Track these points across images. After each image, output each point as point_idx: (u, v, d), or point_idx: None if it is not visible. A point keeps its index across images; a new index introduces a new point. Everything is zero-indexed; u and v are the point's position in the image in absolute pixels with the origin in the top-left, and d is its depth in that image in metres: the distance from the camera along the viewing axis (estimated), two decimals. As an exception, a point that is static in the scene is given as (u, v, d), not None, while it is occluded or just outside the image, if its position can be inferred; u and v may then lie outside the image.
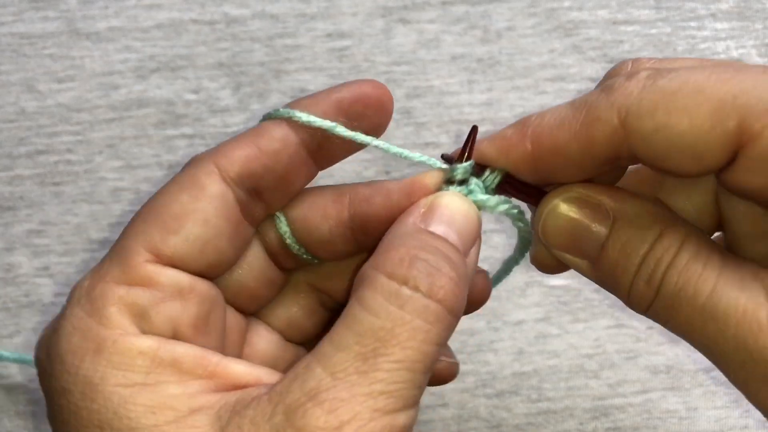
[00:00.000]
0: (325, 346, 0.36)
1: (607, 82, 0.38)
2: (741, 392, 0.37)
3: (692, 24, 0.76)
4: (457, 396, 0.67)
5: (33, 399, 0.67)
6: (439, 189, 0.42)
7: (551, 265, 0.43)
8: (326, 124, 0.42)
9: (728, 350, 0.35)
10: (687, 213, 0.42)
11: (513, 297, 0.69)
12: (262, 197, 0.43)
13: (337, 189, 0.44)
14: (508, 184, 0.43)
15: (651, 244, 0.38)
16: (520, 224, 0.45)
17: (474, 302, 0.46)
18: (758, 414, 0.37)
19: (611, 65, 0.75)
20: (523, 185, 0.42)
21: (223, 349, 0.43)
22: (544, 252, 0.43)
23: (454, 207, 0.41)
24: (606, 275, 0.40)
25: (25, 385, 0.67)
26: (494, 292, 0.69)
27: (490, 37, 0.75)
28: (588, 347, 0.69)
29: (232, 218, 0.41)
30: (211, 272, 0.42)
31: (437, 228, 0.39)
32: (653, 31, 0.75)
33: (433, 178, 0.43)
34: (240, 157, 0.41)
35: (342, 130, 0.42)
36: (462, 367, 0.68)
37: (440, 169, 0.43)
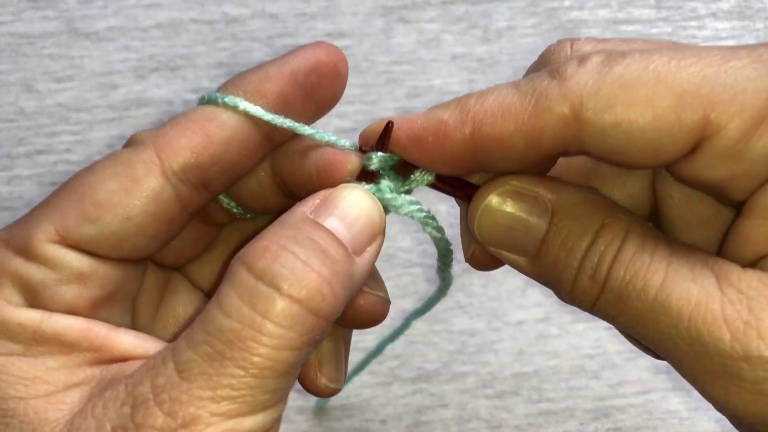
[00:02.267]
0: (181, 339, 0.34)
1: (556, 67, 0.35)
2: (694, 387, 0.36)
3: (693, 24, 0.75)
4: (458, 397, 0.67)
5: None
6: (353, 177, 0.39)
7: (486, 262, 0.41)
8: (269, 116, 0.39)
9: (681, 344, 0.34)
10: (621, 201, 0.40)
11: (513, 297, 0.69)
12: (209, 187, 0.40)
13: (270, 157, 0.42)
14: (438, 181, 0.39)
15: (593, 236, 0.35)
16: (432, 231, 0.41)
17: (366, 321, 0.42)
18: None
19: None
20: (454, 180, 0.39)
21: (131, 314, 0.42)
22: (479, 249, 0.40)
23: (352, 200, 0.37)
24: (546, 271, 0.37)
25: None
26: (494, 292, 0.70)
27: (490, 36, 0.75)
28: (589, 348, 0.68)
29: (163, 215, 0.39)
30: (129, 257, 0.40)
31: (327, 220, 0.36)
32: (654, 30, 0.75)
33: (350, 163, 0.39)
34: (185, 147, 0.38)
35: (288, 123, 0.39)
36: (462, 368, 0.68)
37: (358, 152, 0.40)
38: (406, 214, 0.39)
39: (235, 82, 0.40)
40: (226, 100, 0.39)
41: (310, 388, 0.43)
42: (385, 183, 0.39)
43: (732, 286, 0.33)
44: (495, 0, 0.75)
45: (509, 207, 0.37)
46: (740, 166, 0.33)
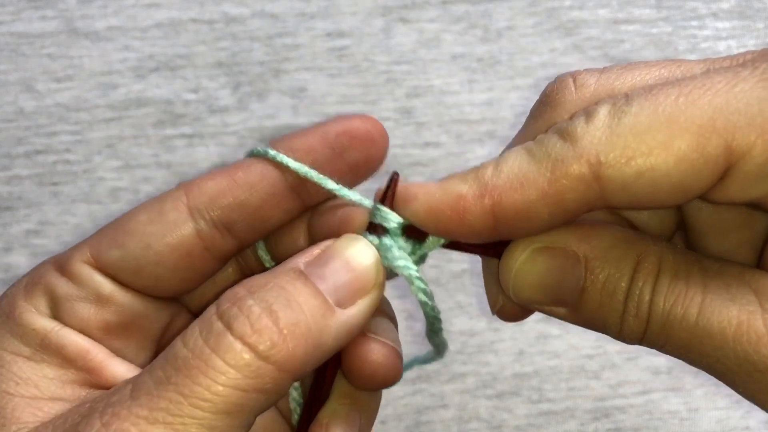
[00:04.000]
0: (147, 366, 0.36)
1: (565, 127, 0.35)
2: (754, 404, 0.36)
3: (693, 23, 0.75)
4: (458, 397, 0.67)
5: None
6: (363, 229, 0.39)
7: (516, 314, 0.41)
8: (294, 164, 0.41)
9: (731, 366, 0.34)
10: (648, 217, 0.41)
11: (513, 297, 0.69)
12: (232, 231, 0.42)
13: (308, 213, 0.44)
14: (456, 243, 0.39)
15: (630, 276, 0.36)
16: (420, 294, 0.40)
17: (371, 378, 0.41)
18: (760, 415, 0.37)
19: (612, 64, 0.75)
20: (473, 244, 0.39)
21: (150, 353, 0.43)
22: (508, 302, 0.39)
23: (347, 253, 0.38)
24: (591, 317, 0.37)
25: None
26: (494, 292, 0.69)
27: (490, 36, 0.75)
28: (589, 348, 0.68)
29: (183, 249, 0.41)
30: (152, 292, 0.42)
31: (315, 272, 0.36)
32: (654, 30, 0.75)
33: (360, 218, 0.40)
34: (211, 188, 0.41)
35: (312, 174, 0.41)
36: (462, 368, 0.68)
37: (365, 207, 0.40)
38: (394, 269, 0.39)
39: (275, 140, 0.42)
40: (259, 149, 0.42)
41: None
42: (388, 240, 0.39)
43: None
44: (495, 0, 0.75)
45: (542, 264, 0.37)
46: None
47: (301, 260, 0.37)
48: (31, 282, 0.40)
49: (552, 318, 0.73)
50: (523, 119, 0.77)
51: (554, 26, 0.75)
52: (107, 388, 0.38)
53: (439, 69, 0.74)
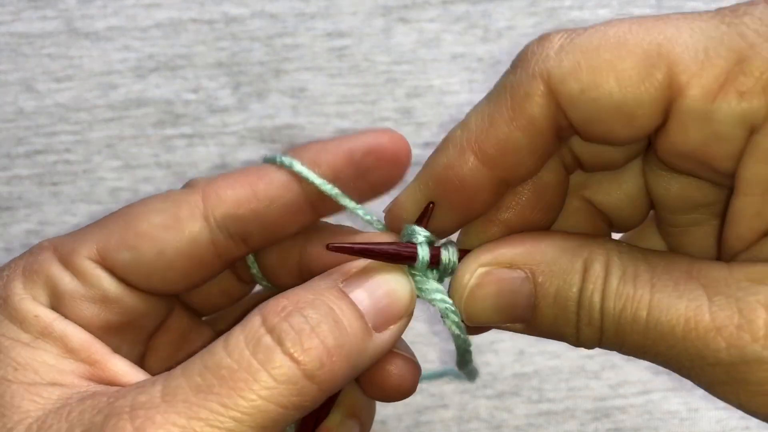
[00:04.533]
0: (178, 367, 0.35)
1: (516, 58, 0.36)
2: (715, 396, 0.36)
3: (693, 23, 0.75)
4: (458, 397, 0.67)
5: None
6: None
7: (478, 330, 0.41)
8: (322, 182, 0.40)
9: (684, 362, 0.34)
10: (618, 203, 0.41)
11: (513, 297, 0.69)
12: (247, 241, 0.41)
13: (303, 235, 0.43)
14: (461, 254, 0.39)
15: (579, 285, 0.35)
16: (452, 326, 0.40)
17: (391, 391, 0.42)
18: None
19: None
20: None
21: (143, 347, 0.43)
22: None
23: (386, 276, 0.38)
24: (548, 331, 0.37)
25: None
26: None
27: (490, 36, 0.75)
28: (589, 348, 0.68)
29: (196, 258, 0.40)
30: (158, 292, 0.42)
31: (354, 291, 0.37)
32: (654, 30, 0.75)
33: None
34: (231, 198, 0.40)
35: (336, 193, 0.40)
36: (462, 368, 0.68)
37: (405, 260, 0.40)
38: (430, 301, 0.39)
39: (296, 149, 0.41)
40: (283, 159, 0.40)
41: None
42: (432, 273, 0.39)
43: (720, 292, 0.33)
44: (495, 0, 0.75)
45: (491, 288, 0.37)
46: (710, 129, 0.33)
47: (338, 277, 0.37)
48: (30, 269, 0.40)
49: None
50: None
51: (554, 26, 0.75)
52: (108, 383, 0.37)
53: (439, 69, 0.74)
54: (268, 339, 0.34)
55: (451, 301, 0.39)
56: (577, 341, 0.37)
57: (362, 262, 0.38)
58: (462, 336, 0.40)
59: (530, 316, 0.37)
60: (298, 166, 0.40)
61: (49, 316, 0.38)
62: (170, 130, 0.72)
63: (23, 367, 0.37)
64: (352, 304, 0.36)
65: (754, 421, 0.71)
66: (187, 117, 0.73)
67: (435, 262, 0.39)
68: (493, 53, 0.74)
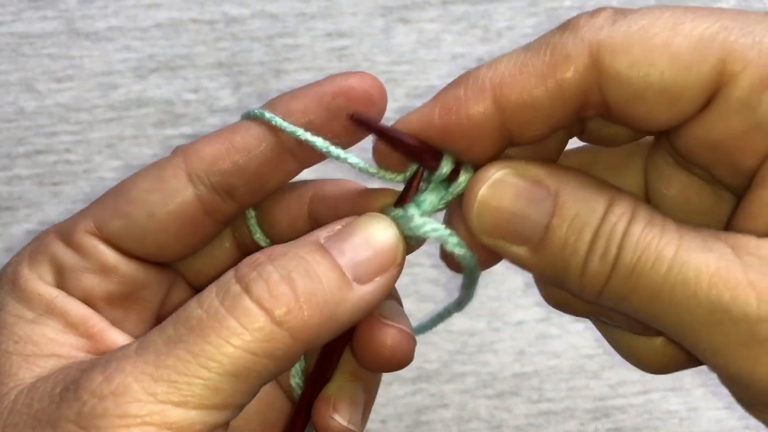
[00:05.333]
0: (157, 326, 0.36)
1: (565, 23, 0.35)
2: (712, 364, 0.34)
3: (693, 23, 0.75)
4: (458, 397, 0.67)
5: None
6: (383, 207, 0.39)
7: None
8: (290, 128, 0.40)
9: (701, 315, 0.32)
10: None
11: (513, 297, 0.69)
12: (233, 196, 0.42)
13: (302, 185, 0.43)
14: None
15: (602, 215, 0.34)
16: (456, 248, 0.38)
17: (385, 362, 0.42)
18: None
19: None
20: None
21: (150, 325, 0.43)
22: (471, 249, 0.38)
23: (368, 230, 0.37)
24: (552, 259, 0.35)
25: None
26: (494, 292, 0.69)
27: (490, 36, 0.75)
28: (589, 347, 0.68)
29: (185, 215, 0.41)
30: (155, 258, 0.42)
31: (335, 246, 0.36)
32: (654, 30, 0.75)
33: (379, 200, 0.40)
34: (209, 154, 0.41)
35: (306, 136, 0.40)
36: (462, 368, 0.68)
37: (391, 191, 0.40)
38: (423, 235, 0.38)
39: (271, 100, 0.42)
40: (256, 112, 0.41)
41: (321, 424, 0.42)
42: (413, 208, 0.38)
43: (751, 253, 0.32)
44: (495, 0, 0.75)
45: (511, 190, 0.35)
46: (753, 119, 0.33)
47: (322, 234, 0.37)
48: (35, 251, 0.41)
49: (552, 318, 0.73)
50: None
51: (554, 26, 0.75)
52: (103, 353, 0.38)
53: (439, 69, 0.74)
54: (236, 288, 0.34)
55: (443, 226, 0.38)
56: (580, 279, 0.34)
57: (349, 219, 0.38)
58: (469, 254, 0.38)
59: (539, 238, 0.35)
60: (269, 115, 0.40)
61: (51, 294, 0.39)
62: (170, 130, 0.72)
63: (24, 340, 0.38)
64: (327, 254, 0.36)
65: (753, 421, 0.71)
66: (188, 117, 0.73)
67: (454, 177, 0.38)
68: (493, 53, 0.74)
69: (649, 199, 0.40)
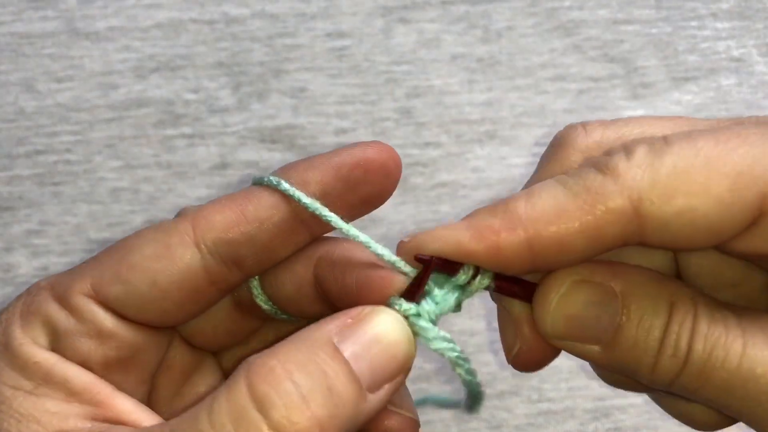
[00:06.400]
0: (166, 425, 0.34)
1: (604, 162, 0.35)
2: None
3: (693, 23, 0.75)
4: (458, 397, 0.67)
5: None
6: (396, 290, 0.38)
7: (534, 361, 0.40)
8: (308, 201, 0.39)
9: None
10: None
11: (513, 297, 0.69)
12: (240, 266, 0.40)
13: (309, 248, 0.42)
14: (498, 281, 0.38)
15: (668, 314, 0.35)
16: (463, 374, 0.39)
17: None
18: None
19: (612, 65, 0.75)
20: (513, 280, 0.38)
21: (148, 386, 0.42)
22: (526, 348, 0.39)
23: (381, 332, 0.35)
24: (624, 356, 0.36)
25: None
26: (494, 292, 0.69)
27: (490, 36, 0.75)
28: (588, 347, 0.68)
29: (190, 286, 0.40)
30: (154, 324, 0.41)
31: (349, 348, 0.34)
32: (654, 30, 0.75)
33: (390, 287, 0.38)
34: (219, 222, 0.39)
35: (324, 212, 0.39)
36: (462, 368, 0.68)
37: (400, 277, 0.38)
38: (436, 350, 0.38)
39: (285, 167, 0.41)
40: (271, 179, 0.40)
41: None
42: (427, 306, 0.37)
43: None
44: (495, 0, 0.75)
45: (582, 297, 0.37)
46: None
47: (332, 329, 0.35)
48: (27, 311, 0.39)
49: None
50: (523, 119, 0.77)
51: (554, 26, 0.75)
52: (114, 422, 0.37)
53: (439, 69, 0.74)
54: (253, 411, 0.32)
55: (459, 348, 0.38)
56: (652, 373, 0.36)
57: (357, 310, 0.36)
58: (475, 381, 0.39)
59: (611, 338, 0.36)
60: (286, 186, 0.39)
61: (49, 360, 0.38)
62: (170, 130, 0.72)
63: (26, 418, 0.36)
64: (347, 365, 0.34)
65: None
66: (188, 117, 0.73)
67: (445, 269, 0.37)
68: (493, 53, 0.75)
69: (679, 272, 0.41)
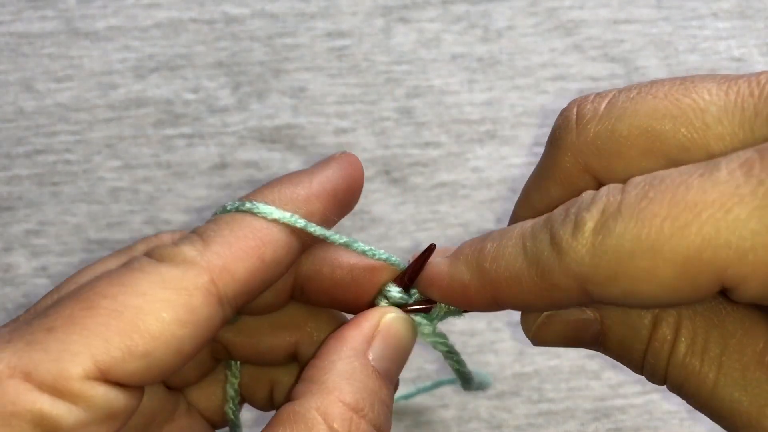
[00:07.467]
0: None
1: (556, 229, 0.34)
2: None
3: (693, 23, 0.75)
4: (458, 397, 0.67)
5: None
6: (384, 283, 0.42)
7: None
8: (319, 231, 0.39)
9: None
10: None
11: (513, 297, 0.69)
12: (241, 306, 0.38)
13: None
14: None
15: (646, 341, 0.37)
16: (455, 364, 0.45)
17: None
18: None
19: (612, 64, 0.75)
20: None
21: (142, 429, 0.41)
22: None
23: (398, 334, 0.40)
24: (614, 356, 0.40)
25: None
26: (495, 292, 0.69)
27: (490, 36, 0.75)
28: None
29: (207, 342, 0.37)
30: (169, 386, 0.41)
31: (378, 358, 0.39)
32: (654, 30, 0.75)
33: (381, 277, 0.42)
34: (243, 275, 0.36)
35: (332, 236, 0.40)
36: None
37: (389, 267, 0.42)
38: (431, 343, 0.43)
39: (281, 184, 0.40)
40: (291, 219, 0.38)
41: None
42: (420, 319, 0.43)
43: None
44: (495, 0, 0.75)
45: (558, 332, 0.39)
46: None
47: (365, 348, 0.39)
48: (4, 414, 0.31)
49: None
50: (523, 119, 0.77)
51: (554, 26, 0.75)
52: None
53: (439, 69, 0.74)
54: None
55: (452, 344, 0.44)
56: (641, 373, 0.39)
57: (371, 321, 0.40)
58: (466, 370, 0.45)
59: (597, 346, 0.39)
60: (303, 222, 0.38)
61: None
62: (170, 130, 0.72)
63: None
64: (390, 388, 0.39)
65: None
66: (187, 117, 0.73)
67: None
68: (494, 53, 0.74)
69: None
